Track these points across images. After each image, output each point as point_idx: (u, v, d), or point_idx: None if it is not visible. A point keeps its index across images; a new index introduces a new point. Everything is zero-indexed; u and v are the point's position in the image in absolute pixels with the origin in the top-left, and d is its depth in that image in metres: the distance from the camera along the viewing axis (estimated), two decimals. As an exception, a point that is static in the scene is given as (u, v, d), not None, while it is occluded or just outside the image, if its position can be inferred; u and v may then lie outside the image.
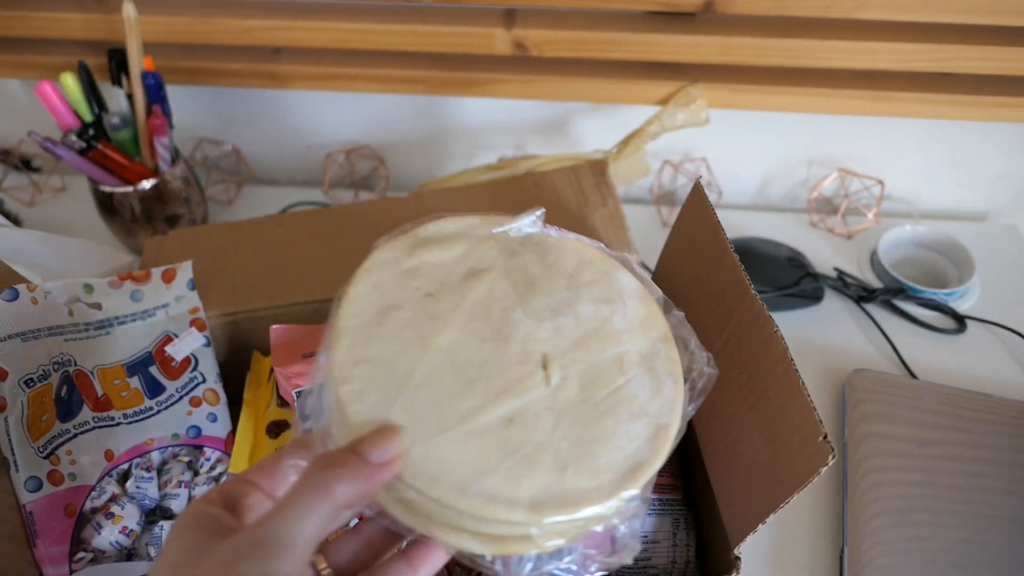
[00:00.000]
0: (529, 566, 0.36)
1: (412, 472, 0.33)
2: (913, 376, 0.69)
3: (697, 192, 0.53)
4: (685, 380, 0.40)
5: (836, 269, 0.77)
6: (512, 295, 0.40)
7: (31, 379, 0.49)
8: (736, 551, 0.46)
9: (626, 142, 0.73)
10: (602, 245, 0.45)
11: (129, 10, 0.69)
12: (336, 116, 0.85)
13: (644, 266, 0.65)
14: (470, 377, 0.37)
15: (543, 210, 0.45)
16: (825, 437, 0.38)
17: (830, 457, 0.37)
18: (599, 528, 0.35)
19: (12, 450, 0.47)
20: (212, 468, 0.55)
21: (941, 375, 0.69)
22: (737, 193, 0.86)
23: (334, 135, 0.87)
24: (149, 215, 0.76)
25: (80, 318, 0.53)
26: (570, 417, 0.36)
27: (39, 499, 0.47)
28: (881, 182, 0.79)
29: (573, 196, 0.69)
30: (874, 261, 0.79)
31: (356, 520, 0.41)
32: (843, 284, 0.76)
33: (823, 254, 0.81)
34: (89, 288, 0.53)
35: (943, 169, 0.83)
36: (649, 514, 0.54)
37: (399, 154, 0.88)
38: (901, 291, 0.74)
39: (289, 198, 0.87)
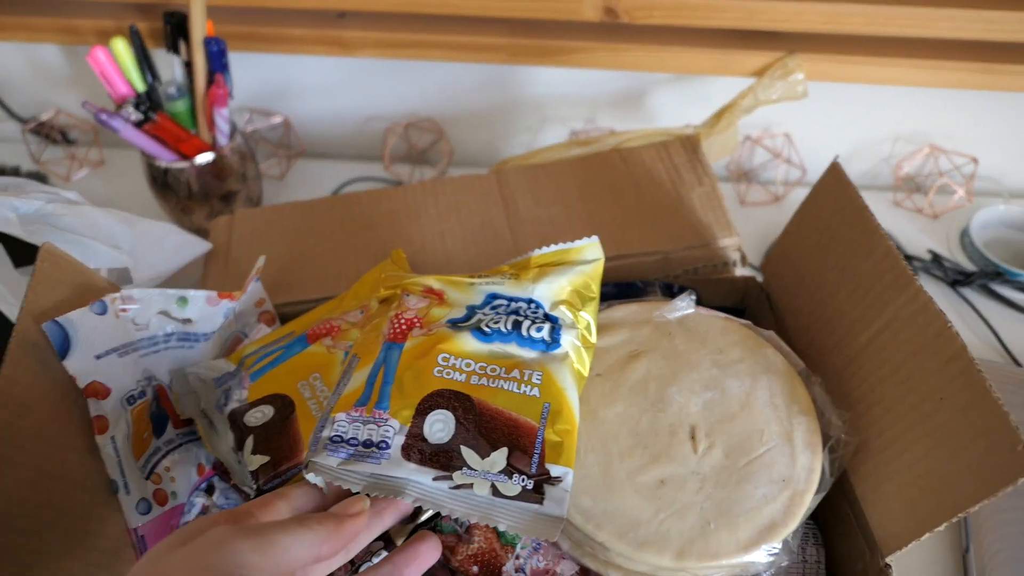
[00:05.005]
0: None
1: (582, 518, 0.41)
2: (1018, 364, 0.66)
3: (835, 173, 0.49)
4: (825, 447, 0.44)
5: (930, 251, 0.73)
6: (667, 373, 0.47)
7: (132, 396, 0.45)
8: (888, 560, 0.43)
9: (718, 117, 0.69)
10: (750, 324, 0.50)
11: (191, -30, 0.64)
12: (396, 87, 0.80)
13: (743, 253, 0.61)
14: (630, 444, 0.44)
15: (695, 295, 0.50)
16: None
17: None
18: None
19: (122, 472, 0.43)
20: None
21: (1048, 363, 0.66)
22: (816, 169, 0.82)
23: (392, 107, 0.82)
24: (205, 192, 0.72)
25: (164, 330, 0.49)
26: (713, 481, 0.42)
27: (149, 522, 0.44)
28: (975, 160, 0.76)
29: (666, 174, 0.65)
30: (965, 243, 0.75)
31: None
32: (938, 267, 0.72)
33: (908, 234, 0.77)
34: (183, 301, 0.49)
35: (1035, 146, 0.79)
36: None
37: (461, 127, 0.83)
38: (998, 275, 0.71)
39: (345, 173, 0.83)
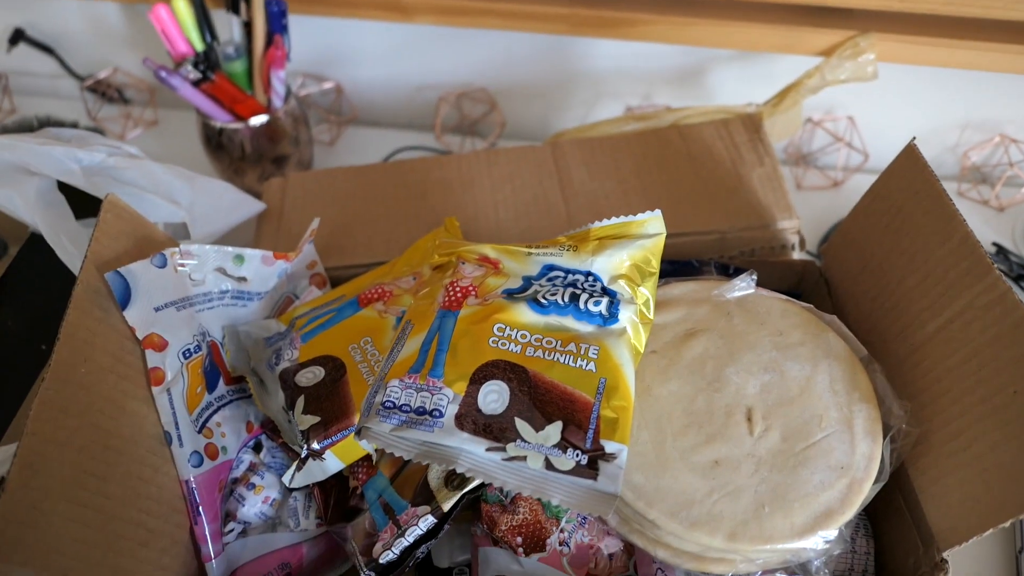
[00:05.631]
0: None
1: (633, 494, 0.41)
2: (1084, 365, 0.63)
3: (911, 155, 0.47)
4: (885, 436, 0.43)
5: (995, 244, 0.71)
6: (725, 353, 0.45)
7: (188, 350, 0.45)
8: (944, 554, 0.42)
9: (782, 96, 0.67)
10: (812, 307, 0.48)
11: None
12: (450, 56, 0.80)
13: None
14: (684, 423, 0.43)
15: (755, 274, 0.49)
16: None
17: None
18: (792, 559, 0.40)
19: (176, 424, 0.43)
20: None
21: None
22: (878, 155, 0.79)
23: (445, 76, 0.82)
24: (259, 154, 0.72)
25: (220, 287, 0.50)
26: (769, 464, 0.41)
27: (201, 474, 0.44)
28: (1049, 151, 0.73)
29: (726, 152, 0.63)
30: (1032, 237, 0.73)
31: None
32: (1003, 260, 0.70)
33: (972, 225, 0.73)
34: (239, 259, 0.49)
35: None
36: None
37: (514, 99, 0.82)
38: (1066, 271, 0.69)
39: (395, 141, 0.82)
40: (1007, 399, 0.39)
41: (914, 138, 0.47)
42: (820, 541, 0.40)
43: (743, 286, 0.48)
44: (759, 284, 0.50)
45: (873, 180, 0.51)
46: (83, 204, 0.51)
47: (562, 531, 0.45)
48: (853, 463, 0.41)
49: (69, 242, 0.48)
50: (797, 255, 0.61)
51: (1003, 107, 0.74)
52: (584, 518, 0.45)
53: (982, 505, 0.40)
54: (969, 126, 0.76)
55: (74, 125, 0.74)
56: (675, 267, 0.56)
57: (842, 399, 0.44)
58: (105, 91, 0.88)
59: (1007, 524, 0.38)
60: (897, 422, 0.44)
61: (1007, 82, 0.71)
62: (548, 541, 0.44)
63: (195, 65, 0.66)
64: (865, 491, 0.41)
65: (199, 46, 0.68)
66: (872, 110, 0.76)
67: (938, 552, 0.42)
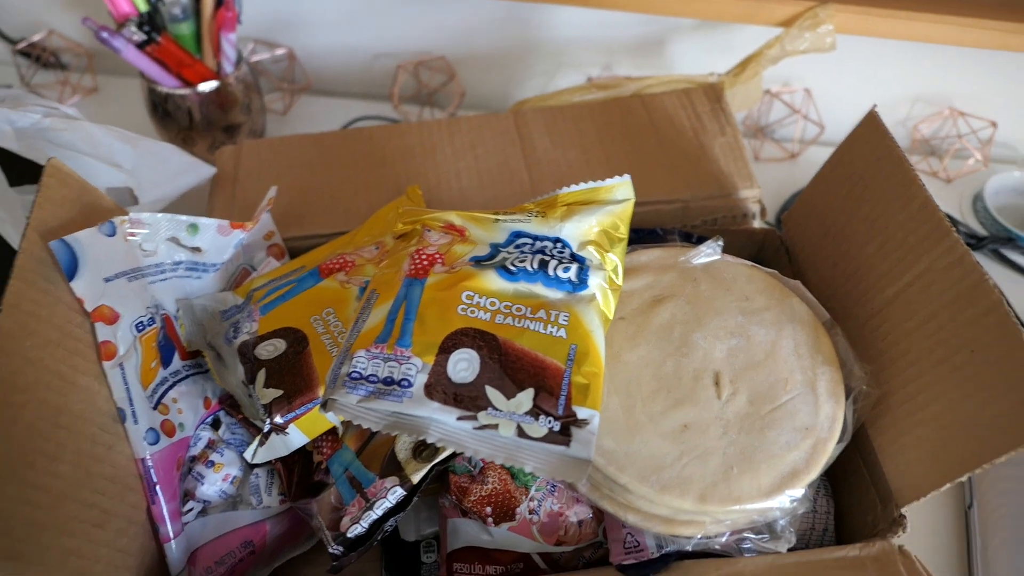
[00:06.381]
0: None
1: (604, 460, 0.41)
2: (1026, 330, 0.66)
3: (872, 123, 0.48)
4: (847, 398, 0.44)
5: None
6: (692, 318, 0.46)
7: (141, 323, 0.43)
8: (902, 510, 0.43)
9: (743, 66, 0.67)
10: (776, 272, 0.49)
11: None
12: (408, 22, 0.78)
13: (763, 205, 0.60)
14: (653, 388, 0.43)
15: (722, 241, 0.49)
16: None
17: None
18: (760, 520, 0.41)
19: (130, 400, 0.41)
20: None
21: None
22: (833, 128, 0.80)
23: (403, 44, 0.80)
24: (208, 122, 0.69)
25: (173, 258, 0.47)
26: (737, 427, 0.42)
27: (157, 452, 0.42)
28: (995, 124, 0.75)
29: (688, 122, 0.63)
30: (978, 207, 0.75)
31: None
32: (952, 230, 0.72)
33: (920, 198, 0.76)
34: (194, 228, 0.47)
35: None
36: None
37: (473, 68, 0.80)
38: (1010, 240, 0.71)
39: (351, 111, 0.80)
40: (965, 357, 0.40)
41: (875, 105, 0.48)
42: (787, 500, 0.40)
43: (709, 252, 0.48)
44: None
45: (829, 152, 0.52)
46: (18, 170, 0.48)
47: (532, 500, 0.44)
48: (817, 424, 0.42)
49: (4, 211, 0.45)
50: (757, 224, 0.61)
51: (952, 81, 0.76)
52: (553, 486, 0.45)
53: (940, 461, 0.41)
54: (920, 99, 0.78)
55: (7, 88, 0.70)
56: (639, 236, 0.56)
57: (806, 362, 0.44)
58: (39, 55, 0.83)
59: (964, 478, 0.39)
60: (858, 384, 0.45)
61: (957, 55, 0.73)
62: (518, 510, 0.44)
63: (139, 26, 0.63)
64: (829, 451, 0.42)
65: (143, 6, 0.65)
66: (828, 83, 0.77)
67: (896, 508, 0.43)
